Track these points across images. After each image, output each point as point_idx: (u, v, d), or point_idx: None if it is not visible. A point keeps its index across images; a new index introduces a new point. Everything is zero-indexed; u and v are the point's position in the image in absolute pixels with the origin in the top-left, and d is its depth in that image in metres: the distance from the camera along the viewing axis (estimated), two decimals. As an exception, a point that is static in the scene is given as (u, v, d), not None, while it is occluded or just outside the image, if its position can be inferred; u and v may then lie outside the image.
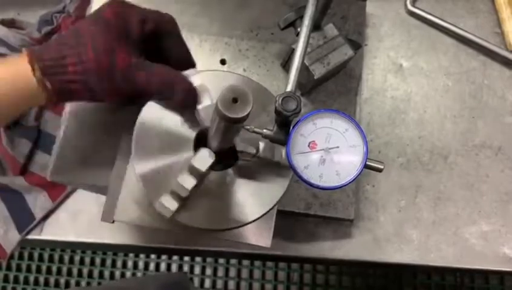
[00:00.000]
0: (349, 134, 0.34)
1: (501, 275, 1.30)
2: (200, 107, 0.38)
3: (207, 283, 1.37)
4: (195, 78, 0.40)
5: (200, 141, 0.39)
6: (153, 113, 0.40)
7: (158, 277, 1.10)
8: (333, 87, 0.57)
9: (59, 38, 0.36)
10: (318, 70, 0.51)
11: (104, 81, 0.35)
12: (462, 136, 0.61)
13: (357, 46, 0.54)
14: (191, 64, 0.43)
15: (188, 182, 0.36)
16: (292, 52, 0.51)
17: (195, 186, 0.36)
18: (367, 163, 0.34)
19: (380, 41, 0.64)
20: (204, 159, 0.36)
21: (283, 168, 0.40)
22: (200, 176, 0.36)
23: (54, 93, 0.35)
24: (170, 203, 0.37)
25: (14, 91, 0.34)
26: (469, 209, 0.58)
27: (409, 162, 0.60)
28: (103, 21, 0.36)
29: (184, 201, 0.37)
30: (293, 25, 0.49)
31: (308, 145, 0.34)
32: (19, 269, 1.41)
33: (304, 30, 0.40)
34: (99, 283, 1.39)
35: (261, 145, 0.38)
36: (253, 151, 0.37)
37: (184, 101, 0.38)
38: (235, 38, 0.57)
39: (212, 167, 0.38)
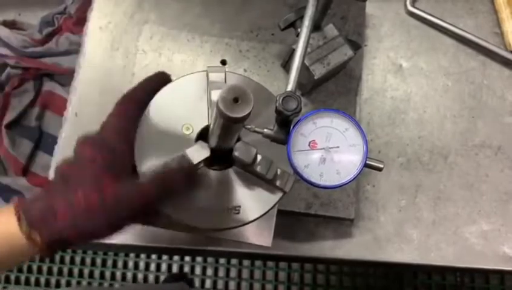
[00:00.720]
0: (349, 133, 0.34)
1: (501, 274, 1.30)
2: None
3: (208, 283, 1.37)
4: (219, 76, 0.40)
5: (203, 139, 0.40)
6: (156, 111, 0.40)
7: (157, 288, 1.11)
8: (333, 88, 0.57)
9: (46, 189, 0.35)
10: (318, 71, 0.51)
11: (98, 219, 0.34)
12: (462, 136, 0.61)
13: (357, 46, 0.54)
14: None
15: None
16: (292, 52, 0.51)
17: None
18: (367, 162, 0.34)
19: (380, 42, 0.64)
20: (198, 151, 0.36)
21: (279, 179, 0.40)
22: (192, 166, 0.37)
23: (44, 245, 0.33)
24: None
25: (2, 249, 0.33)
26: (469, 209, 0.59)
27: (409, 162, 0.60)
28: (85, 159, 0.35)
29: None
30: (293, 25, 0.49)
31: (309, 145, 0.34)
32: (20, 270, 1.41)
33: (304, 30, 0.40)
34: (100, 284, 1.39)
35: (258, 157, 0.37)
36: (250, 161, 0.37)
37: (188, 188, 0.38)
38: (235, 39, 0.57)
39: (208, 163, 0.38)
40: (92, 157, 0.35)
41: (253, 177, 0.40)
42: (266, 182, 0.39)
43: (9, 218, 0.33)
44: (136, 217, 0.36)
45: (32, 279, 1.40)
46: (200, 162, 0.37)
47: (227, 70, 0.41)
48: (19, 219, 0.33)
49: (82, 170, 0.35)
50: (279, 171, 0.38)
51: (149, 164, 0.38)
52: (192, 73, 0.42)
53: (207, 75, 0.41)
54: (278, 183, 0.39)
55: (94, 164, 0.35)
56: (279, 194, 0.40)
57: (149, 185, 0.36)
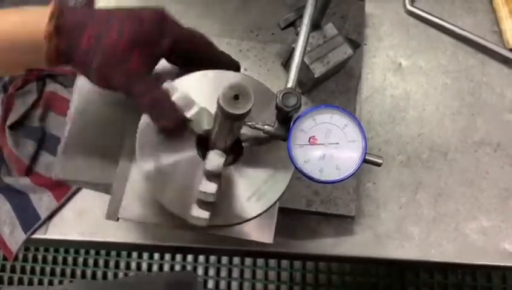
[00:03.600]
0: (348, 129, 0.34)
1: (503, 272, 1.30)
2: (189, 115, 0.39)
3: (210, 283, 1.37)
4: (178, 83, 0.40)
5: (202, 139, 0.40)
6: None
7: (167, 275, 1.11)
8: (334, 86, 0.58)
9: (91, 8, 0.36)
10: (318, 69, 0.52)
11: (107, 67, 0.34)
12: (461, 133, 0.61)
13: (356, 45, 0.55)
14: (234, 68, 0.43)
15: (210, 187, 0.36)
16: (292, 51, 0.51)
17: (218, 188, 0.37)
18: (366, 157, 0.34)
19: (379, 41, 0.65)
20: (215, 160, 0.37)
21: (285, 163, 0.40)
22: (217, 176, 0.37)
23: (55, 52, 0.34)
24: (201, 213, 0.37)
25: (17, 34, 0.34)
26: (469, 206, 0.59)
27: (409, 159, 0.60)
28: (139, 20, 0.35)
29: (213, 205, 0.38)
30: (293, 24, 0.50)
31: (309, 141, 0.34)
32: (23, 271, 1.42)
33: (304, 28, 0.41)
34: (103, 285, 1.40)
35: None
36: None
37: (165, 131, 0.39)
38: (236, 38, 0.58)
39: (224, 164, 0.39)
40: (146, 22, 0.35)
41: (254, 174, 0.41)
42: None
43: (43, 12, 0.33)
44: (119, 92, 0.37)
45: (36, 280, 1.40)
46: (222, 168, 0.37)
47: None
48: (51, 16, 0.33)
49: (130, 21, 0.35)
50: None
51: (151, 164, 0.39)
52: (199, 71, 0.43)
53: (221, 73, 0.41)
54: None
55: (142, 32, 0.35)
56: (284, 183, 0.40)
57: (154, 93, 0.37)
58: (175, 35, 0.37)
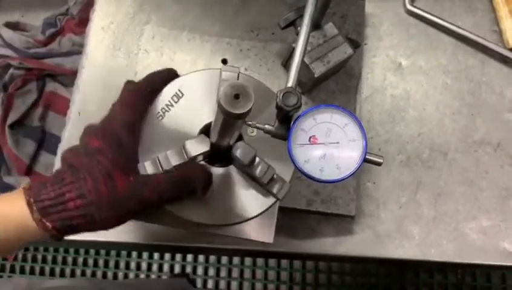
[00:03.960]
0: (349, 129, 0.35)
1: (503, 272, 1.30)
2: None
3: (210, 283, 1.37)
4: (177, 84, 0.41)
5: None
6: (157, 111, 0.41)
7: (162, 282, 1.11)
8: (334, 86, 0.58)
9: (55, 175, 0.35)
10: (318, 69, 0.52)
11: (106, 210, 0.34)
12: (461, 133, 0.61)
13: (356, 45, 0.55)
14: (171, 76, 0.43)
15: (174, 158, 0.37)
16: (292, 51, 0.51)
17: (178, 165, 0.37)
18: (367, 157, 0.34)
19: (379, 41, 0.65)
20: (198, 144, 0.37)
21: (285, 163, 0.40)
22: (188, 158, 0.37)
23: (55, 231, 0.34)
24: (150, 168, 0.37)
25: (11, 232, 0.34)
26: (469, 205, 0.59)
27: (409, 159, 0.60)
28: (93, 150, 0.36)
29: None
30: (294, 24, 0.50)
31: (309, 140, 0.34)
32: (22, 271, 1.41)
33: (304, 28, 0.41)
34: (102, 285, 1.40)
35: (256, 160, 0.38)
36: (247, 162, 0.37)
37: (205, 190, 0.39)
38: (236, 38, 0.58)
39: (209, 160, 0.39)
40: (100, 148, 0.35)
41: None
42: (261, 185, 0.40)
43: (20, 203, 0.34)
44: (144, 211, 0.37)
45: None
46: (198, 155, 0.37)
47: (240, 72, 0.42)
48: (29, 206, 0.33)
49: (90, 161, 0.35)
50: (275, 177, 0.39)
51: (151, 161, 0.39)
52: (196, 71, 0.43)
53: (220, 74, 0.41)
54: (272, 189, 0.40)
55: (101, 155, 0.35)
56: (272, 199, 0.41)
57: (163, 179, 0.36)
58: (123, 124, 0.38)
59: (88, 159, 0.35)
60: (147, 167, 0.37)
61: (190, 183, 0.37)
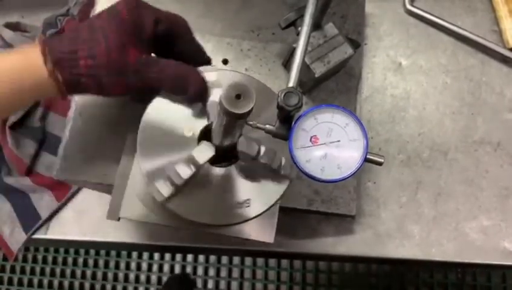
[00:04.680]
0: (350, 128, 0.35)
1: (503, 271, 1.31)
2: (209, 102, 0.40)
3: (210, 283, 1.37)
4: (211, 75, 0.41)
5: (205, 138, 0.40)
6: (158, 111, 0.41)
7: None
8: (334, 86, 0.58)
9: (73, 31, 0.36)
10: (319, 69, 0.52)
11: (114, 76, 0.36)
12: (461, 133, 0.62)
13: (357, 45, 0.55)
14: (205, 62, 0.44)
15: (184, 171, 0.37)
16: (293, 51, 0.52)
17: (191, 177, 0.37)
18: (368, 156, 0.34)
19: (379, 41, 0.65)
20: (204, 151, 0.37)
21: (284, 168, 0.40)
22: (196, 167, 0.37)
23: (64, 86, 0.35)
24: (164, 189, 0.38)
25: (23, 80, 0.35)
26: (469, 205, 0.59)
27: (409, 158, 0.61)
28: (117, 18, 0.36)
29: (178, 189, 0.38)
30: (294, 24, 0.50)
31: (310, 140, 0.34)
32: (23, 271, 1.41)
33: (305, 28, 0.41)
34: (103, 285, 1.40)
35: (262, 149, 0.38)
36: (254, 153, 0.38)
37: (196, 95, 0.39)
38: (237, 38, 0.58)
39: (211, 161, 0.39)
40: (125, 20, 0.36)
41: (255, 173, 0.41)
42: (271, 171, 0.40)
43: (35, 53, 0.34)
44: (141, 91, 0.38)
45: (35, 280, 1.40)
46: (206, 162, 0.37)
47: (226, 68, 0.42)
48: (44, 55, 0.34)
49: (110, 25, 0.35)
50: (283, 161, 0.39)
51: (152, 164, 0.39)
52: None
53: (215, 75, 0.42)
54: (283, 172, 0.39)
55: (123, 26, 0.36)
56: (285, 183, 0.41)
57: (169, 64, 0.37)
58: (154, 15, 0.38)
59: (108, 23, 0.35)
60: (160, 187, 0.38)
61: (189, 83, 0.38)
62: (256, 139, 0.38)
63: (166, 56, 0.40)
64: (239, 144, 0.37)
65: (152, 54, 0.39)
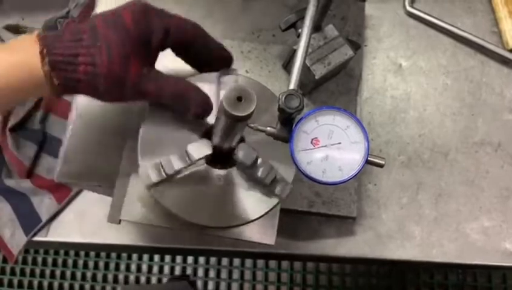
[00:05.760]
0: (351, 131, 0.35)
1: (503, 272, 1.31)
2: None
3: (211, 285, 1.37)
4: (230, 78, 0.41)
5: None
6: (159, 114, 0.41)
7: (162, 287, 1.10)
8: (334, 88, 0.58)
9: (74, 31, 0.34)
10: (319, 71, 0.52)
11: (112, 86, 0.35)
12: (462, 134, 0.62)
13: (357, 46, 0.55)
14: (227, 62, 0.42)
15: (177, 163, 0.37)
16: (293, 53, 0.52)
17: (182, 170, 0.38)
18: (369, 159, 0.35)
19: (379, 42, 0.65)
20: (200, 148, 0.37)
21: (286, 165, 0.41)
22: (190, 161, 0.37)
23: (59, 88, 0.35)
24: (153, 174, 0.38)
25: (18, 78, 0.33)
26: (470, 206, 0.59)
27: (410, 160, 0.61)
28: (122, 27, 0.34)
29: (168, 179, 0.38)
30: (294, 26, 0.50)
31: (311, 142, 0.35)
32: (23, 273, 1.41)
33: (305, 30, 0.41)
34: (103, 287, 1.40)
35: (259, 161, 0.38)
36: (249, 162, 0.38)
37: (197, 116, 0.38)
38: (237, 40, 0.58)
39: (208, 161, 0.39)
40: (130, 29, 0.34)
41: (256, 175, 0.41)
42: (263, 186, 0.40)
43: (32, 53, 0.33)
44: (141, 100, 0.37)
45: (35, 282, 1.40)
46: (200, 159, 0.37)
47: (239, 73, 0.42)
48: (42, 56, 0.33)
49: (114, 34, 0.34)
50: (278, 177, 0.39)
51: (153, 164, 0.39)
52: (196, 74, 0.43)
53: (218, 77, 0.41)
54: (275, 189, 0.40)
55: (128, 36, 0.34)
56: (275, 199, 0.41)
57: (168, 81, 0.36)
58: (164, 25, 0.36)
59: (112, 32, 0.34)
60: (150, 172, 0.38)
61: (189, 102, 0.37)
62: (255, 150, 0.38)
63: (184, 57, 0.39)
64: (237, 150, 0.38)
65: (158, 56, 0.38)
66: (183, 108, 0.37)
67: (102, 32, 0.34)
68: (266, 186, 0.40)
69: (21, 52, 0.34)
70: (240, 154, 0.38)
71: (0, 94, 0.34)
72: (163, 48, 0.38)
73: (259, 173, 0.38)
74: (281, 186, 0.40)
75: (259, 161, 0.38)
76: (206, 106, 0.38)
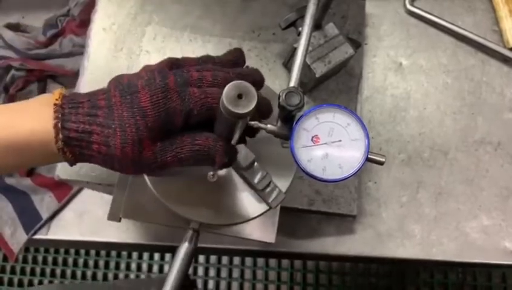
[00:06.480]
0: (351, 128, 0.35)
1: (503, 271, 1.31)
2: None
3: (211, 284, 1.37)
4: None
5: None
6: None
7: (158, 278, 1.10)
8: (334, 86, 0.58)
9: (91, 103, 0.34)
10: (319, 69, 0.52)
11: (128, 167, 0.34)
12: (462, 133, 0.62)
13: (357, 45, 0.55)
14: (268, 112, 0.38)
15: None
16: (293, 51, 0.52)
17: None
18: (369, 156, 0.34)
19: (380, 41, 0.65)
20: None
21: (286, 164, 0.41)
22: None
23: (72, 159, 0.34)
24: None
25: (30, 149, 0.34)
26: (469, 204, 0.59)
27: (410, 158, 0.61)
28: (138, 109, 0.33)
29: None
30: (294, 24, 0.50)
31: (312, 140, 0.35)
32: (23, 272, 1.41)
33: (306, 28, 0.41)
34: (103, 286, 1.40)
35: (255, 165, 0.39)
36: (245, 164, 0.38)
37: (224, 165, 0.36)
38: (237, 39, 0.58)
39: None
40: (146, 110, 0.33)
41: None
42: (255, 191, 0.40)
43: (47, 122, 0.33)
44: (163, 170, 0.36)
45: (36, 281, 1.40)
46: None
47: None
48: (56, 130, 0.33)
49: (128, 116, 0.33)
50: (271, 185, 0.39)
51: None
52: None
53: None
54: (267, 196, 0.40)
55: (142, 118, 0.33)
56: (284, 187, 0.41)
57: (186, 147, 0.34)
58: (186, 108, 0.33)
59: (127, 114, 0.33)
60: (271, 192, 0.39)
61: (211, 156, 0.35)
62: (252, 154, 0.38)
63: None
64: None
65: None
66: (207, 163, 0.35)
67: (117, 112, 0.33)
68: (258, 192, 0.40)
69: (35, 120, 0.33)
70: (238, 155, 0.38)
71: (10, 164, 0.35)
72: (186, 128, 0.35)
73: (254, 178, 0.39)
74: (274, 194, 0.40)
75: (255, 165, 0.39)
76: (230, 154, 0.36)
